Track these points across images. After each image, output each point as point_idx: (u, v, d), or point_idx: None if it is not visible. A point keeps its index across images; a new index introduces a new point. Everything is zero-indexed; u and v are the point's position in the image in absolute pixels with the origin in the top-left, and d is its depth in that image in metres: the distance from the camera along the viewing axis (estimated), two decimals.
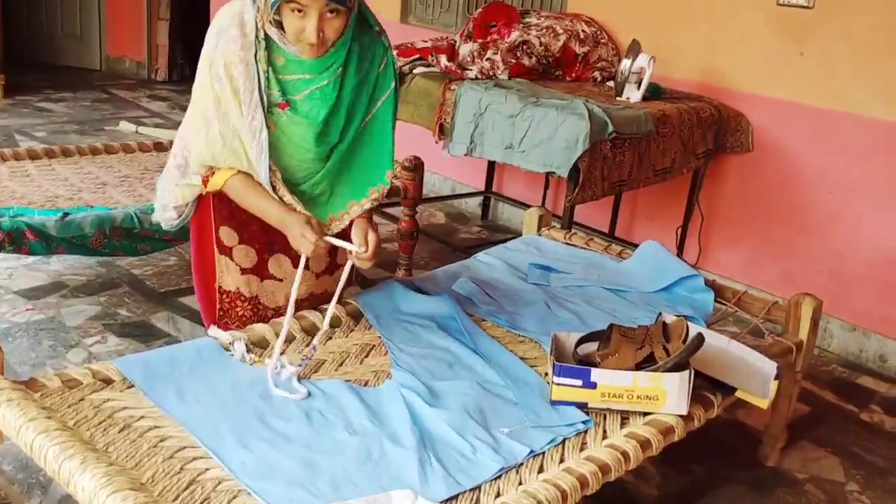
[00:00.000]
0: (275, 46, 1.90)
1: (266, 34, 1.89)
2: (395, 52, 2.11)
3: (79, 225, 2.74)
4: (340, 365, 2.05)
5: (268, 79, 1.90)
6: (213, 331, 2.07)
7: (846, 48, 3.41)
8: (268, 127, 1.91)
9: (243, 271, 2.15)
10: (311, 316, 2.18)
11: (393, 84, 2.04)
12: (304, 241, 1.93)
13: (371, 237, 1.99)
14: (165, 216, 2.15)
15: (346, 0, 1.82)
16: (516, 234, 3.66)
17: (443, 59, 3.77)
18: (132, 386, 1.82)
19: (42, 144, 5.06)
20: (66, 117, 6.33)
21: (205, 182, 2.00)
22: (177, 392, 1.80)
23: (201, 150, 1.95)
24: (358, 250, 1.97)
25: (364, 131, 2.05)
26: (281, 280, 2.19)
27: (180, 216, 2.14)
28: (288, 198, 1.98)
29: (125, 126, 6.12)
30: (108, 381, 1.83)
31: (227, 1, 1.98)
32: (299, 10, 1.80)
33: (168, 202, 2.12)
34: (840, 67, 3.45)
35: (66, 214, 2.77)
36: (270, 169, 1.94)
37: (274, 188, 1.97)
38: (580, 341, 2.10)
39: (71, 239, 2.73)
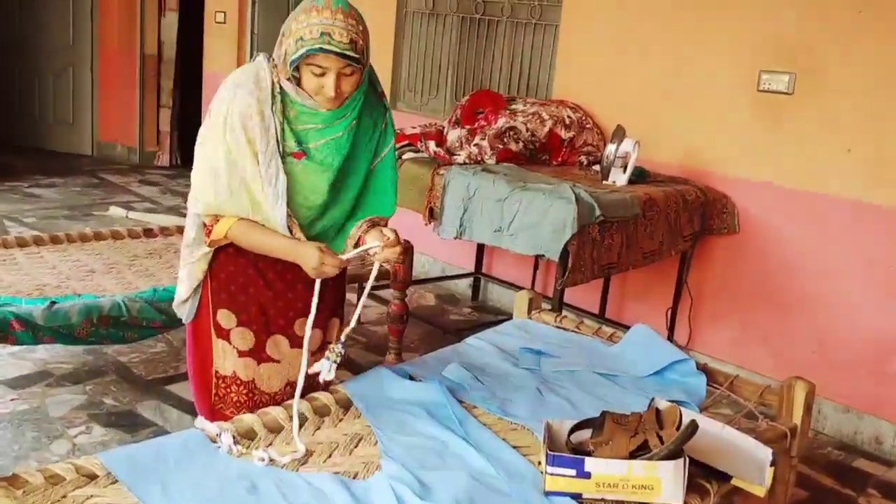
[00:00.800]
0: (288, 100, 1.98)
1: (281, 87, 1.97)
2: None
3: (66, 314, 2.72)
4: (329, 456, 2.01)
5: (282, 130, 1.97)
6: (200, 422, 2.03)
7: (825, 132, 3.49)
8: None
9: (241, 354, 2.14)
10: (301, 406, 2.15)
11: (392, 141, 2.18)
12: (325, 267, 1.97)
13: (388, 231, 2.05)
14: (180, 309, 2.21)
15: (361, 58, 1.92)
16: (506, 314, 3.66)
17: (431, 145, 3.83)
18: (116, 481, 1.78)
19: (32, 230, 5.07)
20: (57, 203, 6.36)
21: (208, 232, 2.04)
22: (162, 488, 1.76)
23: (209, 200, 2.00)
24: (379, 244, 2.02)
25: (366, 184, 2.14)
26: (278, 362, 2.19)
27: (189, 308, 2.18)
28: (303, 239, 2.04)
29: (115, 211, 6.14)
30: (91, 477, 1.79)
31: (215, 88, 2.07)
32: (319, 70, 1.90)
33: (183, 293, 2.16)
34: (819, 151, 3.52)
35: (53, 303, 2.76)
36: (287, 214, 2.00)
37: (290, 231, 2.03)
38: (573, 429, 2.08)
39: (57, 328, 2.71)
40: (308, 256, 1.98)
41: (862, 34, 3.36)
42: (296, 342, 2.18)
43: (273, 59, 2.00)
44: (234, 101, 1.96)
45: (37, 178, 7.02)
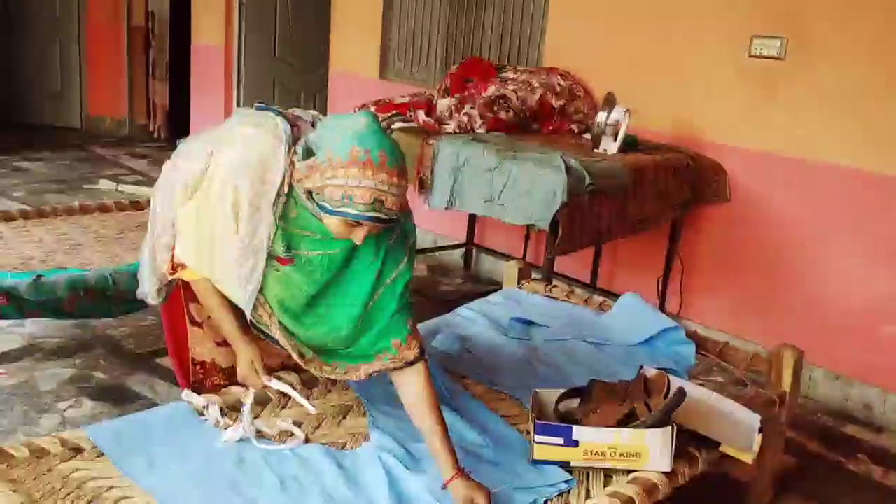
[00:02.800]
0: (293, 202, 1.81)
1: (291, 187, 1.79)
2: (411, 221, 2.01)
3: (52, 287, 2.70)
4: (317, 427, 2.00)
5: (275, 230, 1.82)
6: (187, 395, 2.03)
7: (817, 98, 3.46)
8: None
9: (217, 344, 2.12)
10: (289, 377, 2.14)
11: (405, 259, 1.95)
12: (251, 375, 1.96)
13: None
14: (150, 295, 2.12)
15: (397, 218, 1.76)
16: (499, 285, 3.64)
17: (421, 114, 3.79)
18: (102, 455, 1.78)
19: (20, 205, 5.03)
20: (46, 176, 6.31)
21: (177, 268, 1.96)
22: (147, 461, 1.76)
23: (191, 263, 1.91)
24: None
25: (373, 305, 1.93)
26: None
27: (166, 292, 2.11)
28: (283, 342, 1.91)
29: (105, 184, 6.10)
30: (77, 450, 1.79)
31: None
32: (355, 223, 1.71)
33: (154, 286, 2.07)
34: (811, 117, 3.49)
35: (39, 277, 2.73)
36: (267, 312, 1.89)
37: (268, 327, 1.91)
38: (561, 398, 2.07)
39: (43, 302, 2.69)
40: (240, 360, 1.97)
41: None
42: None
43: (293, 151, 1.78)
44: (231, 181, 1.79)
45: (26, 153, 6.96)
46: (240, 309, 1.92)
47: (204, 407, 1.97)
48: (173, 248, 1.96)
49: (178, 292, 2.09)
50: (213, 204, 1.83)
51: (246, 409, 1.91)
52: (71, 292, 2.74)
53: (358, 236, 1.74)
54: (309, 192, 1.75)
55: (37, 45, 7.98)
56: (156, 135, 8.01)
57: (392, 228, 1.88)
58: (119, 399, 3.04)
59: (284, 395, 2.07)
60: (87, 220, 3.65)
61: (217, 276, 1.90)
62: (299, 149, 1.77)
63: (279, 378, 2.04)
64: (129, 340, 3.52)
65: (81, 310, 2.79)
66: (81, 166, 6.74)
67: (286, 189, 1.79)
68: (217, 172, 1.82)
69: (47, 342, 3.42)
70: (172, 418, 1.92)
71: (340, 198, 1.66)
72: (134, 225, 3.62)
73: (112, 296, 2.82)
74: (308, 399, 2.03)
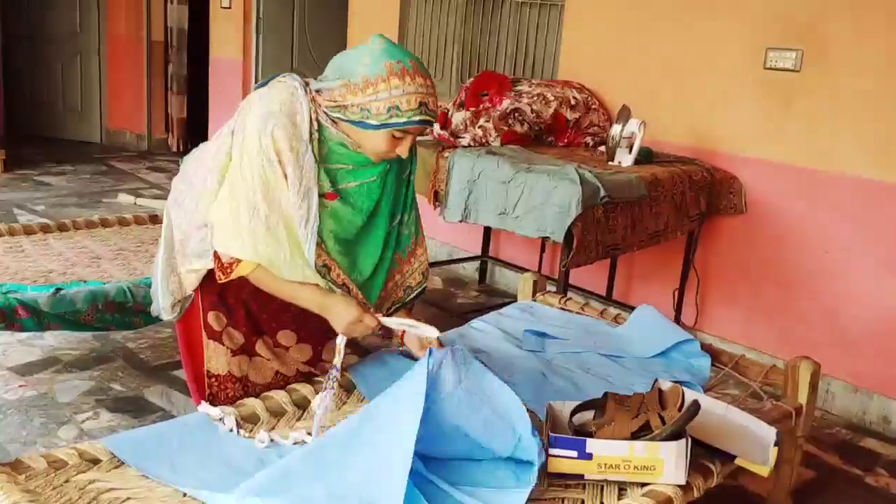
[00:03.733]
0: (324, 137, 1.89)
1: (319, 124, 1.87)
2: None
3: (71, 300, 2.73)
4: None
5: (318, 169, 1.88)
6: (204, 406, 2.04)
7: (833, 110, 3.45)
8: None
9: (233, 353, 2.13)
10: (303, 389, 2.16)
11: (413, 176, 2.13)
12: (361, 325, 1.93)
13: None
14: (165, 311, 2.14)
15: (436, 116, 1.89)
16: (514, 297, 3.65)
17: (436, 128, 3.81)
18: (119, 465, 1.79)
19: (41, 218, 5.09)
20: (66, 190, 6.38)
21: (227, 269, 1.95)
22: (171, 467, 1.78)
23: (244, 239, 1.88)
24: (432, 333, 1.99)
25: (392, 231, 2.12)
26: (269, 359, 2.18)
27: (181, 308, 2.13)
28: (342, 277, 1.98)
29: (124, 198, 6.17)
30: (94, 461, 1.80)
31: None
32: (401, 134, 1.84)
33: (169, 301, 2.09)
34: (827, 128, 3.48)
35: (58, 290, 2.76)
36: (325, 252, 1.94)
37: (329, 269, 1.95)
38: (575, 410, 2.07)
39: (63, 314, 2.72)
40: (342, 310, 1.92)
41: (870, 8, 3.31)
42: (282, 345, 2.19)
43: (310, 90, 1.89)
44: (265, 132, 1.84)
45: (47, 166, 7.05)
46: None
47: (219, 419, 1.98)
48: (213, 252, 1.96)
49: (196, 307, 2.10)
50: (251, 166, 1.85)
51: (336, 365, 1.96)
52: (90, 305, 2.77)
53: (404, 148, 1.85)
54: (334, 121, 1.86)
55: (57, 59, 8.09)
56: (174, 149, 8.10)
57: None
58: (136, 411, 3.06)
59: (391, 336, 2.29)
60: (106, 234, 3.69)
61: (268, 244, 1.89)
62: (314, 84, 1.88)
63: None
64: (146, 353, 3.55)
65: (100, 322, 2.82)
66: (101, 180, 6.82)
67: (316, 126, 1.87)
68: (246, 136, 1.86)
69: (66, 354, 3.46)
70: (188, 428, 1.94)
71: (387, 110, 1.79)
72: (152, 238, 3.66)
73: (131, 308, 2.85)
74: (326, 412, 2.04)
